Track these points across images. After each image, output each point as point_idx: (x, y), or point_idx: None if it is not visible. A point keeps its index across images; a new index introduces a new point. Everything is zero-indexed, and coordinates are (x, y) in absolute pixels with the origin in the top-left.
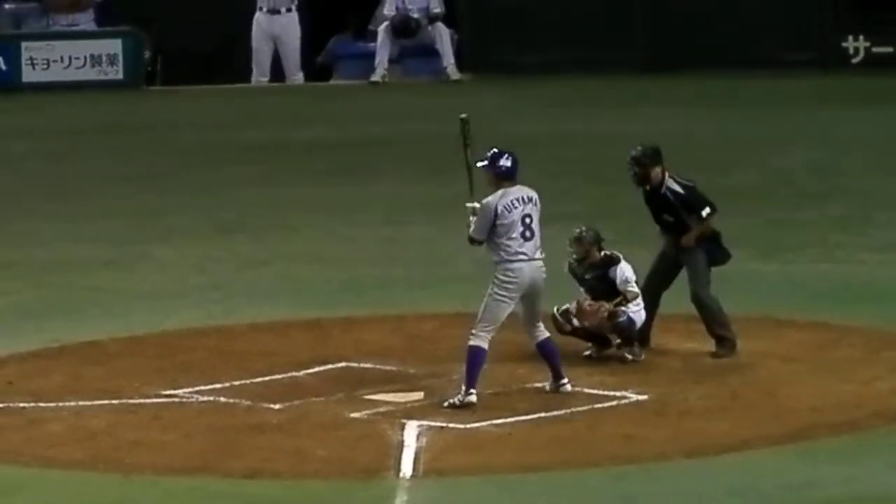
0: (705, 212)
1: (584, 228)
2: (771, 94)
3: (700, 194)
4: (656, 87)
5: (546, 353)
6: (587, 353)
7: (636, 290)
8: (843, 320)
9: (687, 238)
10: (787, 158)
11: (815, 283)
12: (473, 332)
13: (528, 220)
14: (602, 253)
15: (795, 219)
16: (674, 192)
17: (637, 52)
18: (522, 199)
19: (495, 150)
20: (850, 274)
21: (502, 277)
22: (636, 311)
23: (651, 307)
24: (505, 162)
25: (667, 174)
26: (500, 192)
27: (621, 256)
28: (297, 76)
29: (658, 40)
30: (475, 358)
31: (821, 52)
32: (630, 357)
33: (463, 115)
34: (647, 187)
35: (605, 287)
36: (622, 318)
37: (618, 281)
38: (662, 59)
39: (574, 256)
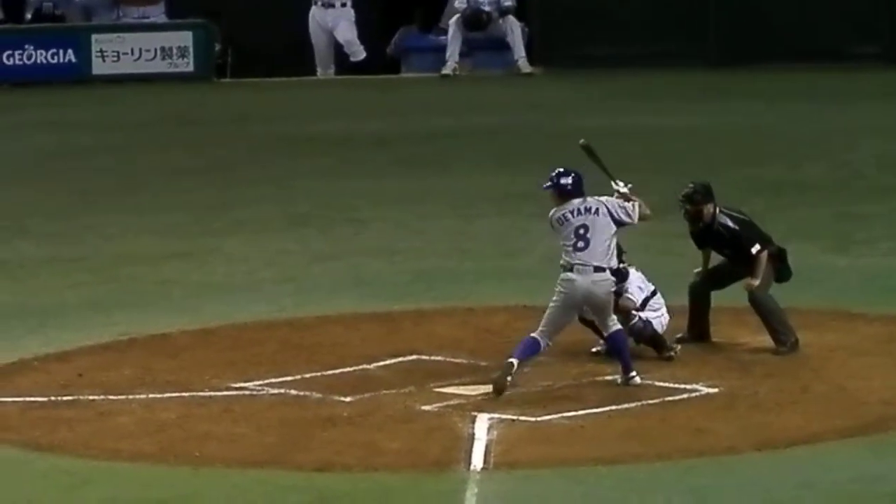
0: (755, 249)
1: None
2: (840, 87)
3: (753, 229)
4: (726, 81)
5: (616, 346)
6: (595, 349)
7: (633, 302)
8: None
9: (748, 284)
10: (857, 152)
11: (886, 277)
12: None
13: (581, 231)
14: (620, 266)
15: (866, 212)
16: (726, 227)
17: (708, 46)
18: (579, 209)
19: (560, 169)
20: None
21: (558, 286)
22: (656, 316)
23: (703, 304)
24: (566, 180)
25: (718, 209)
26: (561, 205)
27: (630, 271)
28: (359, 56)
29: (729, 34)
30: (526, 342)
31: (890, 45)
32: (670, 355)
33: (582, 142)
34: (701, 224)
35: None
36: (634, 321)
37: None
38: (733, 52)
39: None
